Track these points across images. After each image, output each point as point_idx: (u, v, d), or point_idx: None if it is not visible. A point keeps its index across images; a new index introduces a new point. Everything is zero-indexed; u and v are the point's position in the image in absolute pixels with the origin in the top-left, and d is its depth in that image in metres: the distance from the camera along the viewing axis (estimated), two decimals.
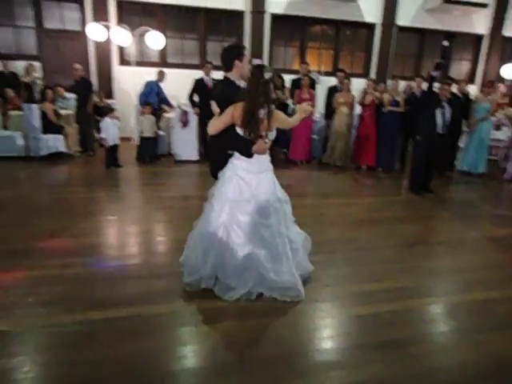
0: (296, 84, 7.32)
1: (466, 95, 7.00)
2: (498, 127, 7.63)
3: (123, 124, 7.36)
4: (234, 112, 2.61)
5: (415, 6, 9.84)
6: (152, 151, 6.92)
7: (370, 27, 9.80)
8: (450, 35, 6.74)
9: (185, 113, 6.84)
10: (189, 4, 8.59)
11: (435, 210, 5.17)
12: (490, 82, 7.25)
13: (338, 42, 9.88)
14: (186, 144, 6.93)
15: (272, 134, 2.71)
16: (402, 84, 7.58)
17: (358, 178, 6.63)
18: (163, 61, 8.91)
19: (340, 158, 7.10)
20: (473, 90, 9.78)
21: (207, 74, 6.96)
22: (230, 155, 2.78)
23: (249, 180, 2.71)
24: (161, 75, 7.22)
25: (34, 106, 6.50)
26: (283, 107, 6.43)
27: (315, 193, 5.85)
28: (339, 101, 6.92)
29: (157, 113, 7.08)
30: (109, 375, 2.01)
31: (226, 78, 2.86)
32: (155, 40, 7.94)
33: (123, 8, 8.41)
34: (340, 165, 7.09)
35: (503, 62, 10.48)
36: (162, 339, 2.32)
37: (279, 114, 2.73)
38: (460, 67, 10.94)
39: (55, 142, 6.63)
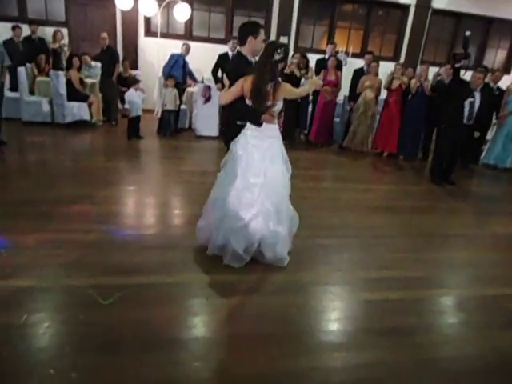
0: (321, 64, 7.15)
1: (498, 86, 6.73)
2: None
3: (146, 95, 7.42)
4: (244, 84, 2.79)
5: None
6: (173, 125, 6.96)
7: (404, 8, 9.42)
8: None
9: (208, 88, 6.81)
10: None
11: (455, 202, 5.07)
12: None
13: (369, 22, 9.56)
14: (207, 119, 6.94)
15: (278, 105, 2.86)
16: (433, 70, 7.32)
17: (378, 165, 6.54)
18: (189, 34, 8.83)
19: (361, 143, 6.99)
20: (507, 80, 9.40)
21: (233, 49, 6.86)
22: (242, 126, 2.93)
23: (259, 145, 2.86)
24: (186, 49, 7.17)
25: (61, 73, 6.57)
26: (293, 80, 6.23)
27: (333, 176, 5.81)
28: (365, 84, 6.76)
29: (180, 86, 7.07)
30: (122, 338, 2.11)
31: (238, 53, 3.05)
32: (182, 11, 7.85)
33: None
34: (361, 150, 6.99)
35: None
36: (174, 308, 2.40)
37: (285, 86, 2.90)
38: (496, 56, 10.47)
39: (79, 110, 6.73)
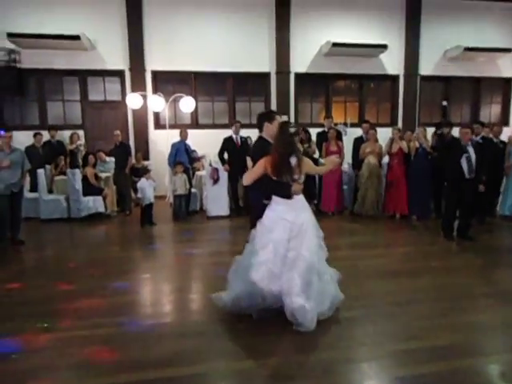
0: (322, 137, 7.48)
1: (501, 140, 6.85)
2: None
3: (158, 183, 7.73)
4: (266, 164, 3.01)
5: (437, 55, 10.09)
6: (185, 208, 7.13)
7: (394, 78, 10.05)
8: (446, 98, 7.13)
9: (215, 170, 7.10)
10: (218, 70, 9.25)
11: (476, 258, 4.86)
12: None
13: (363, 94, 10.17)
14: (217, 200, 7.11)
15: (302, 178, 3.08)
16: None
17: (392, 228, 6.45)
18: (195, 122, 9.46)
19: (371, 207, 6.99)
20: (508, 132, 9.59)
21: (236, 132, 7.30)
22: (266, 205, 3.12)
23: (293, 219, 3.00)
24: (184, 135, 7.54)
25: (77, 171, 6.99)
26: (313, 161, 6.53)
27: (348, 244, 5.70)
28: (366, 151, 6.96)
29: (188, 171, 7.39)
30: None
31: (260, 137, 3.46)
32: (187, 104, 8.51)
33: (158, 78, 9.18)
34: (372, 214, 6.96)
35: None
36: None
37: (308, 161, 3.21)
38: (491, 111, 10.83)
39: (95, 203, 7.00)
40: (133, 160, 7.95)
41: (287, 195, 3.00)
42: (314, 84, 9.93)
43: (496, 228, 6.49)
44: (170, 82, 9.26)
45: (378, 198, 7.03)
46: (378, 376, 2.52)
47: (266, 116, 3.43)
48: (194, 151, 8.06)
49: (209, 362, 2.65)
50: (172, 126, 8.72)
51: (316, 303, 2.97)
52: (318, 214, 7.34)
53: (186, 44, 9.02)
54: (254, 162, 3.15)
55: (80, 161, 7.78)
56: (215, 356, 2.73)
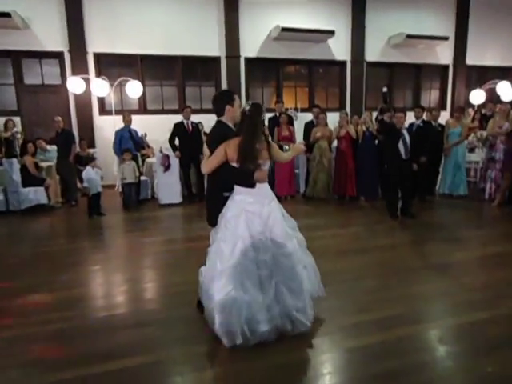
0: (273, 122, 7.53)
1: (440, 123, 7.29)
2: (471, 150, 7.89)
3: (106, 172, 7.42)
4: (227, 149, 2.68)
5: (381, 42, 10.45)
6: (135, 197, 6.91)
7: (341, 64, 10.28)
8: (387, 84, 7.49)
9: (166, 156, 6.92)
10: (165, 53, 8.94)
11: (419, 234, 5.20)
12: (460, 108, 7.56)
13: (312, 79, 10.31)
14: (168, 187, 6.96)
15: (267, 164, 2.78)
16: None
17: (342, 209, 6.69)
18: (143, 108, 9.12)
19: (323, 190, 7.19)
20: (445, 116, 10.22)
21: (187, 117, 7.13)
22: (227, 198, 2.79)
23: (259, 212, 2.68)
24: (127, 120, 7.27)
25: (14, 161, 6.50)
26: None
27: (301, 226, 5.83)
28: (316, 135, 7.11)
29: (137, 158, 7.14)
30: None
31: (219, 121, 2.96)
32: (134, 89, 8.17)
33: (101, 61, 8.69)
34: (323, 197, 7.16)
35: (469, 88, 11.04)
36: None
37: (275, 146, 2.91)
38: (430, 96, 11.46)
39: (36, 195, 6.58)
40: (77, 148, 7.53)
41: (250, 183, 2.69)
42: (265, 69, 9.92)
43: (436, 206, 6.96)
44: (114, 66, 8.82)
45: (328, 181, 7.24)
46: (330, 350, 2.63)
47: (227, 97, 2.94)
48: (142, 137, 7.78)
49: (165, 349, 2.62)
50: (118, 112, 8.34)
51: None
52: None
53: (131, 25, 8.60)
54: (211, 150, 2.79)
55: (17, 149, 7.23)
56: (172, 343, 2.70)
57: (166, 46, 8.87)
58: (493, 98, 10.24)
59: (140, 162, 7.50)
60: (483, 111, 9.47)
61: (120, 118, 7.63)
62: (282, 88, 10.08)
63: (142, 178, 7.30)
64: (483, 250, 4.56)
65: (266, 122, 7.64)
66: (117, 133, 7.19)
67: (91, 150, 8.03)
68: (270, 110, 8.91)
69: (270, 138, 7.10)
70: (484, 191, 6.99)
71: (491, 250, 4.48)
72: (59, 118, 7.23)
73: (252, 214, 2.66)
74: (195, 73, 9.44)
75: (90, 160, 6.34)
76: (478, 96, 10.32)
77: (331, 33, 9.46)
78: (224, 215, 2.74)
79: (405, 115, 5.86)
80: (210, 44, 9.20)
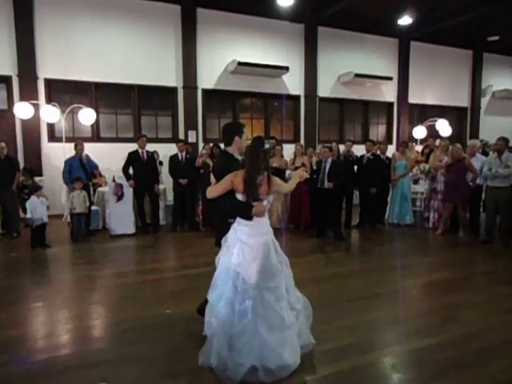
0: None
1: (387, 156, 7.74)
2: (416, 181, 8.41)
3: (54, 201, 7.06)
4: (235, 180, 2.77)
5: (332, 79, 11.09)
6: (84, 227, 6.58)
7: (295, 98, 10.74)
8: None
9: (119, 186, 6.72)
10: (121, 82, 8.86)
11: (372, 262, 5.39)
12: (404, 143, 8.12)
13: (268, 112, 10.64)
14: (121, 217, 6.72)
15: (270, 198, 2.86)
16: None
17: (297, 238, 6.78)
18: (96, 136, 8.88)
19: (278, 220, 7.27)
20: (391, 150, 10.89)
21: (142, 146, 7.03)
22: (231, 223, 2.86)
23: (252, 243, 2.73)
24: (79, 149, 7.02)
25: None
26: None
27: None
28: (273, 166, 7.25)
29: (88, 187, 6.88)
30: None
31: (225, 152, 3.10)
32: (87, 116, 7.97)
33: (52, 86, 8.44)
34: (279, 227, 7.24)
35: (412, 124, 11.93)
36: None
37: (276, 179, 2.91)
38: (378, 130, 12.21)
39: None
40: (21, 176, 7.11)
41: (247, 216, 2.75)
42: (222, 100, 10.11)
43: (385, 234, 7.26)
44: (66, 92, 8.58)
45: (283, 211, 7.35)
46: (286, 382, 2.58)
47: (237, 129, 3.07)
48: (94, 165, 7.53)
49: None
50: (69, 139, 8.05)
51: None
52: None
53: (86, 52, 8.49)
54: (217, 178, 2.90)
55: None
56: None
57: (122, 74, 8.81)
58: (432, 133, 11.10)
59: (91, 191, 7.22)
60: (432, 146, 10.21)
61: (71, 145, 7.35)
62: (238, 119, 10.28)
63: (93, 207, 7.00)
64: (429, 276, 4.78)
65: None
66: (66, 162, 6.90)
67: (38, 178, 7.63)
68: None
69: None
70: (428, 220, 7.43)
71: (436, 277, 4.71)
72: (3, 144, 6.80)
73: (245, 244, 2.73)
74: (151, 102, 9.42)
75: (35, 189, 6.00)
76: (419, 131, 11.15)
77: (286, 69, 9.92)
78: (226, 240, 2.85)
79: (330, 150, 6.69)
80: (168, 74, 9.28)
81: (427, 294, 4.26)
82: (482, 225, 6.77)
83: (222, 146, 7.56)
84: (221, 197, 2.83)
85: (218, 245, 2.98)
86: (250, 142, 2.92)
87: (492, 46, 12.85)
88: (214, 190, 2.87)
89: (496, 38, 12.34)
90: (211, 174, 3.09)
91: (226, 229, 2.89)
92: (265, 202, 2.80)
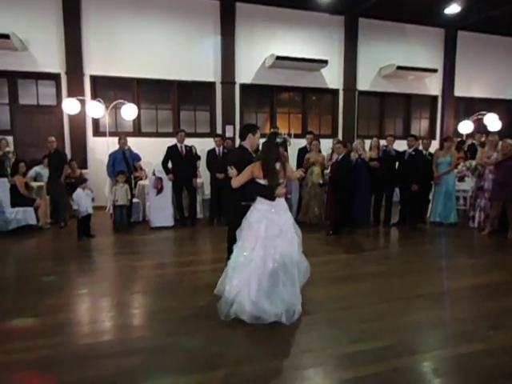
0: None
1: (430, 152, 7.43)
2: (461, 179, 8.03)
3: (98, 193, 7.37)
4: (253, 170, 3.39)
5: (373, 72, 10.76)
6: (126, 219, 6.83)
7: (334, 92, 10.53)
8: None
9: (159, 179, 6.90)
10: (161, 77, 9.07)
11: (411, 262, 5.20)
12: (449, 138, 7.72)
13: (305, 106, 10.51)
14: (160, 210, 6.91)
15: (284, 182, 3.48)
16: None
17: (335, 235, 6.67)
18: (137, 130, 9.16)
19: (315, 215, 7.19)
20: (435, 145, 10.46)
21: (181, 141, 7.17)
22: (247, 206, 3.45)
23: (277, 219, 3.33)
24: (123, 143, 7.25)
25: (3, 180, 6.42)
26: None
27: None
28: (310, 161, 7.18)
29: (130, 180, 7.11)
30: None
31: (241, 146, 3.89)
32: (129, 111, 8.23)
33: (97, 83, 8.78)
34: (316, 222, 7.16)
35: (458, 119, 11.36)
36: None
37: (289, 166, 3.62)
38: (420, 125, 11.74)
39: (24, 215, 6.47)
40: (68, 169, 7.47)
41: (271, 197, 3.32)
42: (259, 95, 10.09)
43: (427, 233, 6.99)
44: (110, 88, 8.90)
45: (320, 207, 7.26)
46: (324, 381, 2.56)
47: (252, 128, 3.88)
48: (137, 156, 7.72)
49: (154, 380, 2.53)
50: (112, 134, 8.37)
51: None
52: None
53: (128, 49, 8.76)
54: (237, 167, 3.51)
55: (8, 169, 7.16)
56: (161, 372, 2.61)
57: (162, 70, 9.02)
58: (480, 128, 10.51)
59: (132, 185, 7.47)
60: (470, 141, 9.70)
61: (114, 139, 7.63)
62: (275, 114, 10.24)
63: (134, 200, 7.25)
64: (475, 279, 4.56)
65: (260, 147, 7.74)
66: (110, 155, 7.17)
67: (83, 171, 8.00)
68: (264, 136, 9.03)
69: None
70: (473, 219, 7.07)
71: (483, 280, 4.48)
72: (53, 139, 7.21)
73: (271, 220, 3.31)
74: (190, 97, 9.57)
75: (80, 181, 6.29)
76: (466, 126, 10.60)
77: (325, 62, 9.73)
78: (248, 219, 3.39)
79: (344, 146, 6.79)
80: (206, 69, 9.38)
81: (472, 297, 4.05)
82: None
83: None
84: (245, 184, 3.44)
85: (229, 223, 3.82)
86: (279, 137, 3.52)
87: None
88: (237, 181, 3.47)
89: None
90: (229, 168, 3.58)
91: (240, 210, 3.47)
92: (283, 185, 3.41)
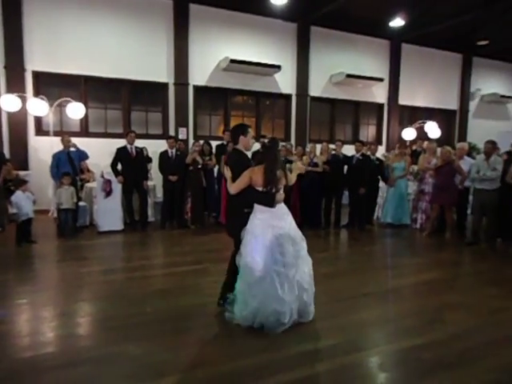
0: (221, 150, 7.58)
1: (377, 157, 7.78)
2: None
3: (40, 195, 6.94)
4: (252, 175, 3.28)
5: (324, 79, 11.12)
6: (72, 223, 6.48)
7: (287, 97, 10.74)
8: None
9: (108, 181, 6.64)
10: (111, 76, 8.75)
11: (360, 262, 5.41)
12: (403, 144, 8.12)
13: (259, 110, 10.62)
14: (109, 214, 6.64)
15: (282, 188, 3.40)
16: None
17: None
18: (85, 130, 8.76)
19: None
20: (382, 150, 11.00)
21: (131, 142, 6.95)
22: (249, 213, 3.32)
23: (282, 225, 3.27)
24: (64, 141, 6.84)
25: None
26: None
27: None
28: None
29: (76, 182, 6.77)
30: None
31: (235, 149, 3.60)
32: (75, 110, 7.84)
33: (40, 79, 8.28)
34: None
35: (402, 125, 12.04)
36: None
37: (288, 173, 3.54)
38: (368, 131, 12.29)
39: None
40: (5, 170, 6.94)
41: (271, 204, 3.26)
42: (213, 97, 10.05)
43: (374, 234, 7.31)
44: (55, 85, 8.43)
45: None
46: (272, 381, 2.58)
47: (241, 129, 3.61)
48: (84, 154, 7.26)
49: None
50: (57, 133, 7.92)
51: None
52: (217, 226, 7.38)
53: (75, 45, 8.35)
54: (234, 172, 3.37)
55: None
56: (107, 383, 2.50)
57: (112, 68, 8.70)
58: (422, 135, 11.21)
59: (78, 187, 7.11)
60: (413, 147, 10.31)
61: (58, 139, 7.20)
62: (229, 117, 10.24)
63: (81, 203, 6.90)
64: (417, 277, 4.83)
65: (214, 150, 7.71)
66: (54, 156, 6.78)
67: (24, 173, 7.49)
68: (217, 138, 9.01)
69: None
70: (416, 221, 7.51)
71: (424, 277, 4.76)
72: None
73: (277, 227, 3.24)
74: (142, 97, 9.32)
75: (20, 183, 5.89)
76: (409, 133, 11.25)
77: (278, 67, 9.90)
78: (251, 231, 3.26)
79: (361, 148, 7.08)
80: (159, 70, 9.18)
81: (414, 294, 4.30)
82: (468, 227, 6.87)
83: (211, 142, 7.69)
84: (242, 191, 3.32)
85: (232, 234, 3.50)
86: (266, 140, 3.46)
87: (481, 50, 13.01)
88: (236, 187, 3.33)
89: (485, 42, 12.50)
90: (225, 167, 3.51)
91: (242, 219, 3.32)
92: (281, 191, 3.36)
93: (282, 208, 3.37)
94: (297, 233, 3.40)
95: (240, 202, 3.38)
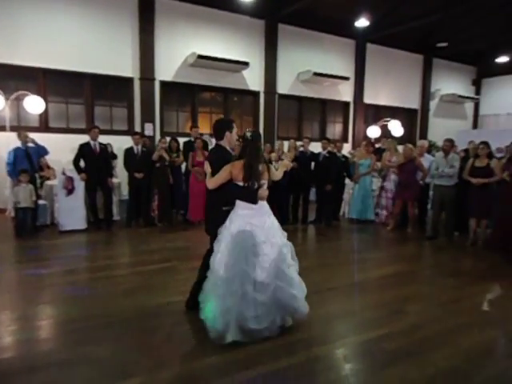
0: (188, 146, 7.49)
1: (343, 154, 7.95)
2: None
3: None
4: (233, 170, 3.10)
5: (292, 77, 11.20)
6: (31, 222, 6.20)
7: (255, 94, 10.74)
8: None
9: (70, 179, 6.40)
10: (72, 69, 8.41)
11: (326, 257, 5.53)
12: (370, 142, 8.33)
13: (227, 106, 10.56)
14: (71, 212, 6.41)
15: (266, 184, 3.21)
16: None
17: None
18: (44, 125, 8.38)
19: None
20: (347, 148, 11.24)
21: (94, 138, 6.72)
22: (228, 211, 3.16)
23: (262, 224, 3.09)
24: (21, 137, 6.53)
25: None
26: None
27: None
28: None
29: (35, 180, 6.47)
30: None
31: (218, 145, 3.39)
32: (34, 104, 7.49)
33: None
34: None
35: (367, 124, 12.37)
36: None
37: (271, 168, 3.35)
38: (335, 129, 12.53)
39: None
40: None
41: (254, 200, 3.08)
42: (180, 93, 9.89)
43: (340, 230, 7.48)
44: (10, 78, 7.99)
45: None
46: (241, 377, 2.59)
47: (227, 125, 3.40)
48: (43, 149, 6.92)
49: None
50: (15, 128, 7.52)
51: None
52: (185, 223, 7.31)
53: (33, 36, 7.94)
54: (214, 168, 3.21)
55: None
56: None
57: (73, 61, 8.34)
58: (386, 133, 11.56)
59: (38, 185, 6.81)
60: (377, 145, 10.62)
61: (15, 134, 6.86)
62: (197, 113, 10.12)
63: (40, 202, 6.61)
64: (380, 270, 4.99)
65: (182, 147, 7.61)
66: (10, 152, 6.44)
67: None
68: (185, 135, 8.88)
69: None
70: (378, 216, 7.75)
71: (386, 271, 4.93)
72: None
73: (256, 226, 3.06)
74: (106, 92, 9.02)
75: None
76: (374, 131, 11.57)
77: (246, 64, 9.88)
78: (228, 227, 3.08)
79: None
80: (123, 64, 8.91)
81: (378, 287, 4.43)
82: (429, 221, 7.17)
83: (179, 139, 7.57)
84: (222, 186, 3.16)
85: (210, 233, 3.32)
86: (249, 134, 3.20)
87: (441, 51, 13.56)
88: (214, 181, 3.18)
89: (444, 44, 13.04)
90: (206, 163, 3.39)
91: (221, 216, 3.16)
92: (265, 187, 3.17)
93: (263, 206, 3.18)
94: (277, 233, 3.18)
95: (220, 198, 3.23)
